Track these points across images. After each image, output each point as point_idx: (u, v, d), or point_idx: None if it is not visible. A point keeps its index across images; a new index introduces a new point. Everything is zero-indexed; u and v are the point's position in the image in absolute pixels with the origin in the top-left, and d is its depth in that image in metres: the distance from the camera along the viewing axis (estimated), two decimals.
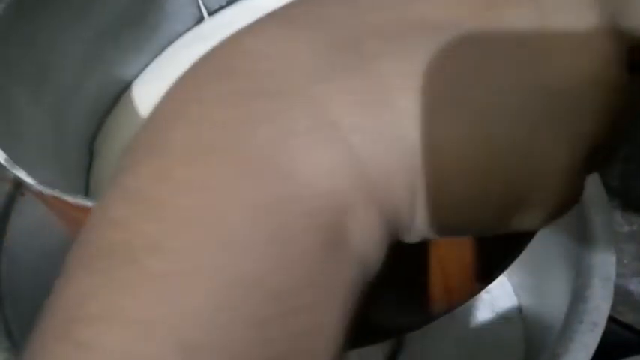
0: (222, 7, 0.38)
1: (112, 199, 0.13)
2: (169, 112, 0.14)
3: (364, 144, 0.13)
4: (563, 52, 0.13)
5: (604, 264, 0.37)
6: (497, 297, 0.49)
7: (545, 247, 0.44)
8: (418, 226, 0.14)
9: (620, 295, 0.52)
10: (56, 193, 0.24)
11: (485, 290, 0.50)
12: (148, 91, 0.36)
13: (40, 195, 0.25)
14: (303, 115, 0.13)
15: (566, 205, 0.15)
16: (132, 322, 0.12)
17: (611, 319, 0.53)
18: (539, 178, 0.14)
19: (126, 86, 0.36)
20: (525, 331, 0.47)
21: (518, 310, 0.48)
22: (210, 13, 0.38)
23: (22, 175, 0.25)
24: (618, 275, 0.51)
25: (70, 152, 0.33)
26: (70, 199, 0.24)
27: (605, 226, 0.38)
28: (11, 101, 0.29)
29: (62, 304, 0.13)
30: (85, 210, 0.24)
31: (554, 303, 0.40)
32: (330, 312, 0.13)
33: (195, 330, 0.12)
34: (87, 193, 0.33)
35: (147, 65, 0.37)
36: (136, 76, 0.36)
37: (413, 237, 0.15)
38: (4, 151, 0.26)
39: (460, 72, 0.13)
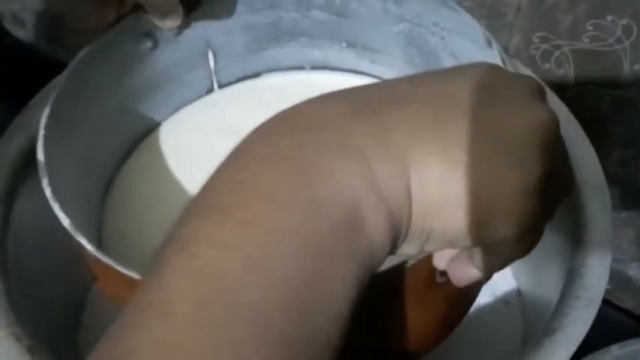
0: (230, 83, 0.46)
1: (214, 183, 0.20)
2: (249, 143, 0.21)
3: (375, 162, 0.20)
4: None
5: (601, 243, 0.37)
6: (497, 281, 0.49)
7: (545, 233, 0.45)
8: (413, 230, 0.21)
9: (619, 281, 0.52)
10: (109, 261, 0.29)
11: None
12: (160, 144, 0.43)
13: (93, 259, 0.30)
14: (336, 140, 0.20)
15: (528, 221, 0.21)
16: (221, 243, 0.19)
17: (611, 305, 0.53)
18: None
19: (140, 139, 0.43)
20: (524, 312, 0.48)
21: (517, 293, 0.49)
22: (220, 87, 0.46)
23: (83, 241, 0.30)
24: (617, 261, 0.52)
25: (87, 199, 0.39)
26: (122, 269, 0.29)
27: (604, 206, 0.39)
28: (59, 157, 0.35)
29: (178, 236, 0.19)
30: (131, 282, 0.29)
31: (552, 285, 0.41)
32: (346, 277, 0.19)
33: (261, 249, 0.18)
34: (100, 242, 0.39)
35: (160, 123, 0.44)
36: (149, 133, 0.44)
37: (407, 246, 0.21)
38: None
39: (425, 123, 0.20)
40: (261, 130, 0.21)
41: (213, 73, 0.45)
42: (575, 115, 0.43)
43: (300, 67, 0.47)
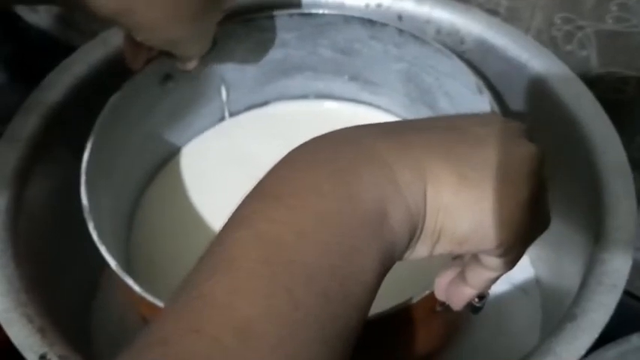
0: (239, 112, 0.51)
1: (269, 179, 0.25)
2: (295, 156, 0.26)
3: (398, 169, 0.24)
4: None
5: (624, 226, 0.36)
6: (515, 269, 0.48)
7: (564, 219, 0.44)
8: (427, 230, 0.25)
9: (638, 270, 0.51)
10: (155, 300, 0.33)
11: None
12: (180, 170, 0.49)
13: (127, 291, 0.33)
14: (367, 152, 0.25)
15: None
16: (275, 220, 0.23)
17: (630, 295, 0.52)
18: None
19: (163, 163, 0.49)
20: (542, 301, 0.47)
21: (535, 282, 0.48)
22: (231, 115, 0.50)
23: (130, 282, 0.33)
24: (637, 249, 0.51)
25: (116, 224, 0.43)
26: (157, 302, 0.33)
27: (627, 191, 0.38)
28: (97, 194, 0.38)
29: (239, 215, 0.24)
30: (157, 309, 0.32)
31: (571, 272, 0.40)
32: (373, 255, 0.23)
33: (309, 226, 0.23)
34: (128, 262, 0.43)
35: (179, 150, 0.50)
36: (169, 160, 0.49)
37: (420, 247, 0.25)
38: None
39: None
40: (307, 143, 0.26)
41: (225, 104, 0.50)
42: (597, 97, 0.42)
43: (305, 97, 0.51)
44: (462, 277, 0.29)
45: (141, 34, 0.37)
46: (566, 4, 0.44)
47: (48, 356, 0.33)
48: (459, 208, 0.24)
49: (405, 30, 0.44)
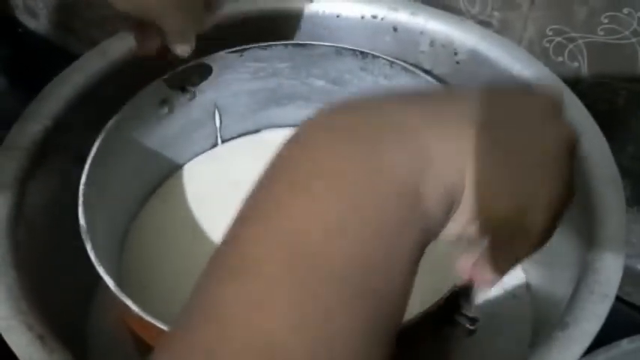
0: (232, 139, 0.52)
1: (285, 161, 0.22)
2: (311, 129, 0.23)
3: (431, 139, 0.22)
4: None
5: (615, 237, 0.37)
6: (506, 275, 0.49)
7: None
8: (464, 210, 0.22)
9: (629, 276, 0.51)
10: (154, 320, 0.33)
11: None
12: (174, 191, 0.49)
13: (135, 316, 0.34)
14: (392, 122, 0.22)
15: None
16: (300, 213, 0.20)
17: (619, 300, 0.53)
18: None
19: (156, 186, 0.49)
20: (533, 307, 0.47)
21: (526, 287, 0.49)
22: (223, 141, 0.51)
23: (129, 302, 0.34)
24: (627, 256, 0.52)
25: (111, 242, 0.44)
26: (159, 324, 0.33)
27: (618, 201, 0.38)
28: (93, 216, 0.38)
29: (255, 207, 0.21)
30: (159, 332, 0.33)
31: (562, 279, 0.41)
32: (409, 247, 0.21)
33: (338, 217, 0.20)
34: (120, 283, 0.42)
35: (171, 175, 0.50)
36: (163, 182, 0.50)
37: (452, 225, 0.23)
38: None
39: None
40: (320, 114, 0.23)
41: (218, 131, 0.51)
42: (588, 108, 0.43)
43: (296, 125, 0.49)
44: (486, 259, 0.26)
45: (119, 3, 0.37)
46: (558, 17, 0.44)
47: None
48: (497, 185, 0.22)
49: (396, 62, 0.45)
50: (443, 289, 0.34)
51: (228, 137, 0.52)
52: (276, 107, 0.51)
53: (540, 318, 0.46)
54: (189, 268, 0.45)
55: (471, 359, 0.45)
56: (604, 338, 0.37)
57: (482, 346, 0.45)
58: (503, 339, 0.46)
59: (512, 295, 0.48)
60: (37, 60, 0.71)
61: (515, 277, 0.49)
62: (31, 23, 0.75)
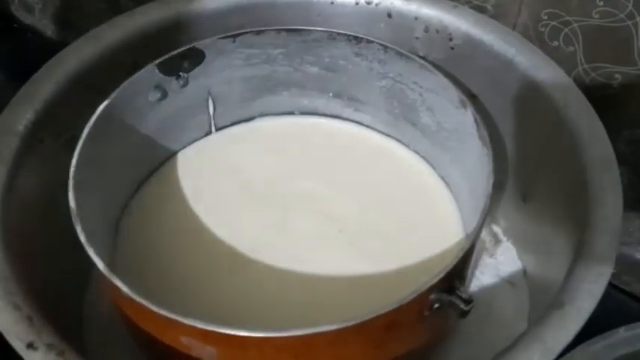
0: (225, 127, 0.52)
1: None
2: None
3: None
4: None
5: (611, 216, 0.37)
6: (502, 262, 0.49)
7: (551, 212, 0.44)
8: None
9: (626, 264, 0.51)
10: (144, 301, 0.33)
11: (489, 255, 0.50)
12: (167, 179, 0.49)
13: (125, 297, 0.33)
14: None
15: None
16: None
17: (617, 289, 0.52)
18: None
19: (149, 174, 0.49)
20: (530, 293, 0.47)
21: (523, 273, 0.48)
22: (217, 129, 0.51)
23: (119, 283, 0.34)
24: (624, 244, 0.51)
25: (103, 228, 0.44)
26: (150, 305, 0.32)
27: (613, 182, 0.38)
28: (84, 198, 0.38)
29: None
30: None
31: (558, 264, 0.40)
32: None
33: None
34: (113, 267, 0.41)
35: (167, 161, 0.50)
36: (157, 169, 0.50)
37: None
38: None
39: None
40: None
41: (212, 118, 0.51)
42: (584, 92, 0.42)
43: (290, 113, 0.52)
44: None
45: None
46: (553, 0, 0.44)
47: (35, 344, 0.33)
48: None
49: (390, 47, 0.45)
50: (436, 271, 0.33)
51: (222, 125, 0.52)
52: (270, 95, 0.51)
53: (537, 304, 0.45)
54: (183, 253, 0.46)
55: (467, 346, 0.44)
56: (602, 327, 0.36)
57: (479, 332, 0.45)
58: (500, 325, 0.45)
59: (508, 283, 0.48)
60: (34, 55, 0.71)
61: (512, 264, 0.49)
62: (27, 18, 0.75)
